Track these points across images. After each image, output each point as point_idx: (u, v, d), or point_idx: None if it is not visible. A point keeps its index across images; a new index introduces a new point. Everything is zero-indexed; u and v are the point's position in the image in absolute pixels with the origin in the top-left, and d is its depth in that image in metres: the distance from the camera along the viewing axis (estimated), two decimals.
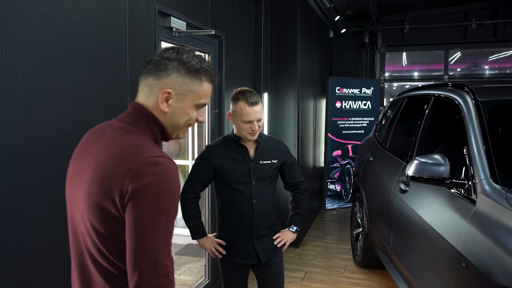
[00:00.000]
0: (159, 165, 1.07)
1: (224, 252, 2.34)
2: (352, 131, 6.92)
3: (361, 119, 7.01)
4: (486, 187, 2.12)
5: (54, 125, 1.74)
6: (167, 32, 2.69)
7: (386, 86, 8.00)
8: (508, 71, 7.85)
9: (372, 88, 7.00)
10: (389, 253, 3.33)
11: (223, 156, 2.29)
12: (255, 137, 2.26)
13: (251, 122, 2.19)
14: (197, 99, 1.21)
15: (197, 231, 2.36)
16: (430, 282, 2.49)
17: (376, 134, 4.59)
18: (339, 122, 6.78)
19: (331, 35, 7.11)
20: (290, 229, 2.44)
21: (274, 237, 2.38)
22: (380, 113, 6.40)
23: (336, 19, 6.14)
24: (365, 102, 7.01)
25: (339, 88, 6.70)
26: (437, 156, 2.39)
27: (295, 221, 2.45)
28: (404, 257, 2.95)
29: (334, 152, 6.78)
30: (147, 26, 2.40)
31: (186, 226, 2.38)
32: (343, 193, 6.91)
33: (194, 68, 1.18)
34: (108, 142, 1.16)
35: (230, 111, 2.27)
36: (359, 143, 5.68)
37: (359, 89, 6.90)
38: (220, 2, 3.43)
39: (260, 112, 2.21)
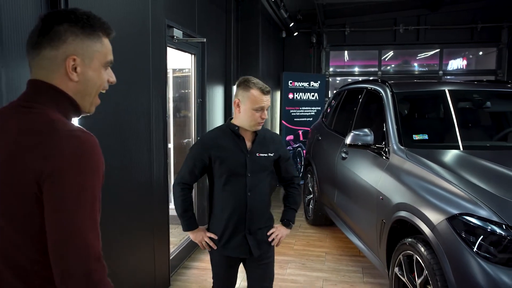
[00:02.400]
0: (77, 139, 0.97)
1: (215, 247, 2.28)
2: (302, 119, 8.03)
3: (309, 108, 8.12)
4: (395, 148, 3.24)
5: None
6: (169, 39, 3.57)
7: (330, 80, 9.21)
8: (428, 68, 9.32)
9: (319, 82, 8.12)
10: (334, 207, 4.43)
11: (220, 147, 2.21)
12: (261, 126, 2.23)
13: (262, 110, 2.16)
14: (104, 58, 1.10)
15: (188, 223, 2.29)
16: (362, 215, 3.59)
17: (323, 119, 5.69)
18: (291, 111, 7.85)
19: (284, 35, 8.15)
20: (285, 224, 2.38)
21: (268, 233, 2.32)
22: (325, 103, 7.58)
23: (290, 25, 7.19)
24: (313, 93, 8.13)
25: (291, 81, 7.76)
26: (365, 130, 3.49)
27: (290, 216, 2.39)
28: (345, 206, 4.06)
29: (287, 137, 7.85)
30: (162, 35, 3.27)
31: None
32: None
33: (87, 25, 1.05)
34: (10, 123, 1.03)
35: (238, 99, 2.19)
36: (308, 128, 6.78)
37: (308, 83, 8.00)
38: (202, 14, 4.33)
39: (269, 102, 2.20)
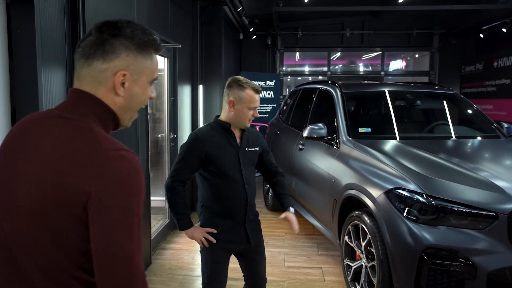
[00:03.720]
0: (124, 160, 0.96)
1: (214, 241, 2.28)
2: (259, 115, 8.62)
3: (266, 105, 8.72)
4: (345, 139, 3.90)
5: None
6: None
7: (284, 78, 9.88)
8: (372, 68, 10.24)
9: (274, 81, 8.74)
10: (293, 193, 5.05)
11: (214, 144, 2.25)
12: (249, 124, 2.33)
13: (255, 108, 2.27)
14: (152, 75, 1.10)
15: (185, 222, 2.30)
16: (317, 197, 4.23)
17: (280, 115, 6.30)
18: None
19: (241, 37, 8.71)
20: (290, 211, 2.47)
21: (282, 217, 2.45)
22: (280, 101, 8.24)
23: (250, 30, 7.75)
24: (269, 92, 8.73)
25: None
26: (320, 124, 4.12)
27: (290, 202, 2.51)
28: (302, 190, 4.69)
29: None
30: None
31: None
32: None
33: (142, 43, 1.05)
34: (52, 134, 0.99)
35: (233, 98, 2.24)
36: (265, 124, 7.38)
37: (264, 81, 8.59)
38: (174, 20, 4.79)
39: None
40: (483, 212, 2.63)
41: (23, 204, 0.96)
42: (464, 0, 6.98)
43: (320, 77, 10.03)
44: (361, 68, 10.94)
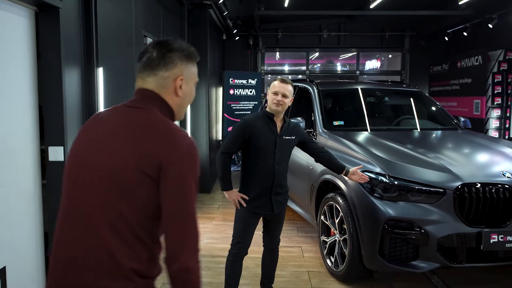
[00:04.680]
0: (188, 139, 1.22)
1: (245, 205, 2.83)
2: (242, 112, 9.04)
3: (248, 102, 9.14)
4: (321, 131, 4.38)
5: None
6: (142, 45, 4.40)
7: (265, 77, 10.34)
8: (349, 68, 10.78)
9: (255, 79, 9.17)
10: None
11: (257, 128, 2.81)
12: (279, 108, 2.81)
13: (276, 94, 2.82)
14: (195, 78, 1.38)
15: (227, 184, 2.88)
16: (297, 184, 4.69)
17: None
18: (232, 105, 8.83)
19: (224, 37, 9.12)
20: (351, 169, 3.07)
21: (357, 169, 3.04)
22: (262, 98, 8.70)
23: (234, 32, 8.17)
24: (251, 89, 9.16)
25: (231, 79, 8.73)
26: (299, 118, 4.58)
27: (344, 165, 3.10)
28: None
29: (229, 128, 8.81)
30: (140, 43, 4.11)
31: None
32: (236, 159, 9.03)
33: (189, 54, 1.34)
34: (131, 119, 1.25)
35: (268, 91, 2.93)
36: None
37: (246, 80, 9.01)
38: (164, 23, 5.18)
39: (287, 90, 2.83)
40: (434, 189, 3.15)
41: (107, 168, 1.20)
42: (430, 7, 7.59)
43: (300, 76, 10.53)
44: (339, 68, 11.50)
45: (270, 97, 2.86)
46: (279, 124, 2.90)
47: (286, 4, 7.10)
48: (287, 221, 5.40)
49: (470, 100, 7.73)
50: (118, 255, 1.17)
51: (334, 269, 3.71)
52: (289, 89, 2.87)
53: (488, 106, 7.35)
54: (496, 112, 7.30)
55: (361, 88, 5.01)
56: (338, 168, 3.10)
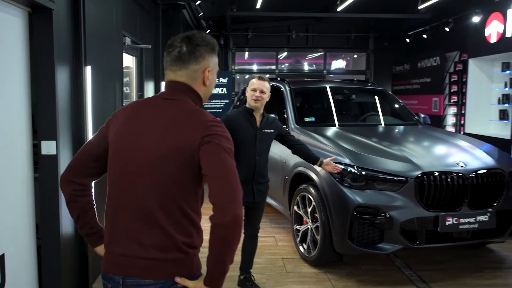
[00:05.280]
0: (219, 123, 1.40)
1: None
2: (214, 110, 9.22)
3: (219, 101, 9.33)
4: (293, 127, 4.66)
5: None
6: (123, 46, 4.53)
7: (235, 76, 10.56)
8: (316, 67, 11.16)
9: (226, 78, 9.38)
10: None
11: (239, 123, 3.07)
12: (258, 104, 3.09)
13: (255, 90, 3.08)
14: (217, 68, 1.53)
15: None
16: (272, 178, 4.92)
17: (233, 109, 6.99)
18: (204, 104, 8.99)
19: None
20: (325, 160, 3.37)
21: (331, 160, 3.38)
22: (233, 97, 8.92)
23: (207, 32, 8.35)
24: (222, 88, 9.34)
25: None
26: (272, 115, 4.84)
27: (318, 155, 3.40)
28: None
29: None
30: (120, 42, 4.24)
31: None
32: None
33: (213, 47, 1.47)
34: (168, 109, 1.41)
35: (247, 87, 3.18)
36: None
37: (217, 79, 9.21)
38: (141, 23, 5.32)
39: (265, 87, 3.09)
40: (397, 178, 3.48)
41: (151, 152, 1.35)
42: (393, 10, 8.05)
43: (267, 75, 10.81)
44: (306, 67, 11.86)
45: (249, 94, 3.10)
46: (258, 119, 3.16)
47: (258, 6, 7.35)
48: None
49: (429, 98, 8.24)
50: (171, 232, 1.35)
51: (307, 255, 3.99)
52: (266, 85, 3.13)
53: (445, 104, 7.87)
54: (452, 110, 7.84)
55: (329, 87, 5.32)
56: (313, 159, 3.40)
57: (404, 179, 3.47)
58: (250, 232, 3.40)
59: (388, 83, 10.01)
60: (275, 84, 5.57)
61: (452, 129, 7.75)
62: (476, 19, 7.09)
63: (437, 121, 7.78)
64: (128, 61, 5.27)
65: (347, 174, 3.61)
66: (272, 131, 3.24)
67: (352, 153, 3.77)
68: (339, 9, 7.27)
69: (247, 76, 10.95)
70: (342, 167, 3.63)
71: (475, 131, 7.06)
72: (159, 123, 1.38)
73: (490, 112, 7.22)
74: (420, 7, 7.07)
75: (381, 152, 3.82)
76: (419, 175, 3.46)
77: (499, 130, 7.01)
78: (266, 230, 5.02)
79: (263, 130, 3.17)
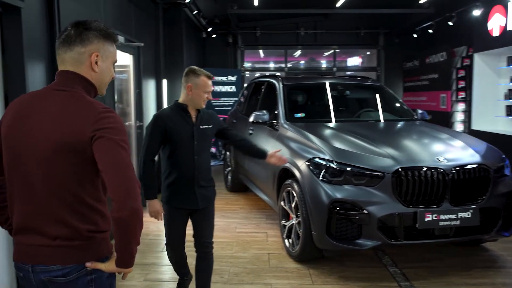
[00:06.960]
0: (112, 113, 1.39)
1: (161, 219, 2.78)
2: (223, 108, 9.27)
3: (228, 99, 9.38)
4: (283, 122, 4.66)
5: None
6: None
7: (246, 74, 10.60)
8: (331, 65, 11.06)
9: (235, 76, 9.42)
10: (246, 172, 5.78)
11: (172, 121, 2.70)
12: (204, 105, 2.78)
13: (209, 92, 2.75)
14: (113, 58, 1.49)
15: (152, 192, 2.73)
16: (262, 173, 4.96)
17: (237, 106, 7.03)
18: (213, 101, 9.05)
19: (204, 35, 9.36)
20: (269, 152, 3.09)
21: (274, 152, 3.09)
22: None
23: (209, 30, 8.43)
24: (231, 86, 9.38)
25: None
26: (264, 111, 4.87)
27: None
28: (252, 169, 5.42)
29: None
30: None
31: None
32: (217, 154, 9.28)
33: (107, 34, 1.45)
34: (56, 101, 1.38)
35: (191, 84, 2.70)
36: (226, 116, 8.09)
37: (226, 77, 9.23)
38: (137, 22, 5.42)
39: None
40: (374, 173, 3.43)
41: (41, 148, 1.35)
42: (397, 5, 7.88)
43: (269, 73, 10.79)
44: (324, 65, 11.80)
45: (199, 94, 2.72)
46: (193, 114, 2.79)
47: (256, 3, 7.36)
48: (257, 210, 5.67)
49: (437, 95, 8.05)
50: (74, 223, 1.38)
51: (291, 250, 3.99)
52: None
53: (453, 100, 7.67)
54: (460, 106, 7.63)
55: (324, 83, 5.29)
56: (259, 154, 3.13)
57: (381, 174, 3.42)
58: (201, 249, 2.89)
59: (399, 80, 9.83)
60: (270, 80, 5.58)
61: (461, 127, 7.55)
62: (477, 12, 6.89)
63: (446, 118, 7.60)
64: (125, 59, 5.38)
65: (326, 169, 3.59)
66: (211, 126, 2.86)
67: (333, 149, 3.75)
68: (337, 4, 7.18)
69: (257, 74, 10.96)
70: (323, 162, 3.62)
71: (481, 128, 6.85)
72: (48, 118, 1.37)
73: (497, 108, 6.99)
74: (421, 1, 6.91)
75: (363, 148, 3.77)
76: (396, 170, 3.40)
77: (507, 126, 6.77)
78: (259, 226, 5.04)
79: (201, 126, 2.79)
